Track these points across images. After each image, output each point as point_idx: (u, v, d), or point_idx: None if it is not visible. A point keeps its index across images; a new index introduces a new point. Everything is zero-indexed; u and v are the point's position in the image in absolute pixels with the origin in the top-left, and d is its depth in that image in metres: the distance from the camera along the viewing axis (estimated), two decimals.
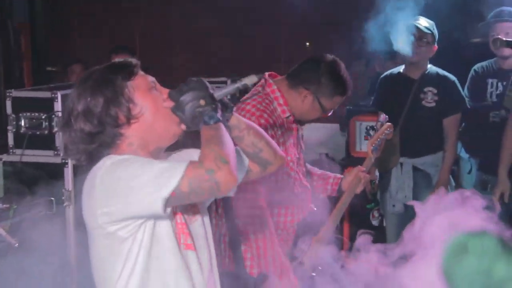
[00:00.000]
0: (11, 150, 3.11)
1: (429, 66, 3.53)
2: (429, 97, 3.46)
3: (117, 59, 1.65)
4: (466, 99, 3.57)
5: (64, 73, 5.08)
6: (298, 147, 2.47)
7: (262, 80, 2.37)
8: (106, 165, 1.40)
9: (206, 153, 1.35)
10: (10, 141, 3.10)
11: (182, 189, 1.31)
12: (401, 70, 3.59)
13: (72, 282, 3.03)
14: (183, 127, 1.50)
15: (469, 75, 3.67)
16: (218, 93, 1.50)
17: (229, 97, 1.55)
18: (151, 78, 1.56)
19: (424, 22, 3.41)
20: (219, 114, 1.45)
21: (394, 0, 3.07)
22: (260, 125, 1.97)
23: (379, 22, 3.07)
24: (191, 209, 1.56)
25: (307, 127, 2.63)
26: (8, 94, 3.04)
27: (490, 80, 3.55)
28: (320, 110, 2.38)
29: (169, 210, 1.37)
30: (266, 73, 2.40)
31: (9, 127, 3.06)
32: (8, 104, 3.05)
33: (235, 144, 1.51)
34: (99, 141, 1.46)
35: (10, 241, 2.35)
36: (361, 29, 3.13)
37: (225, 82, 2.41)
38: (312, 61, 2.40)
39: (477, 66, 3.64)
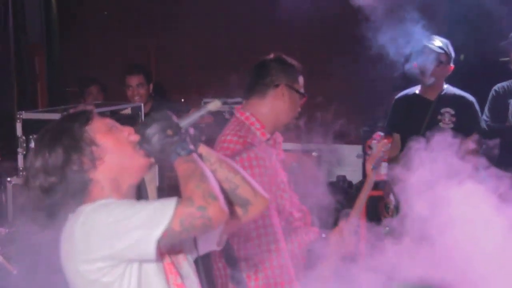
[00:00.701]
0: (21, 173, 3.08)
1: (445, 86, 3.46)
2: (447, 118, 3.38)
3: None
4: (486, 120, 3.48)
5: (81, 94, 5.05)
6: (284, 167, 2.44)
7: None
8: (85, 211, 1.36)
9: (192, 189, 1.33)
10: (20, 163, 3.08)
11: (174, 228, 1.28)
12: (417, 91, 3.52)
13: None
14: (151, 160, 1.48)
15: (490, 95, 3.58)
16: (184, 122, 1.48)
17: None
18: (108, 120, 1.54)
19: (437, 42, 3.35)
20: (190, 145, 1.43)
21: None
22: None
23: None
24: (177, 248, 1.51)
25: (326, 148, 2.59)
26: (18, 115, 3.03)
27: (511, 101, 3.46)
28: (299, 97, 2.36)
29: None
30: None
31: (19, 149, 3.04)
32: (19, 126, 3.04)
33: None
34: (65, 192, 1.41)
35: (9, 268, 2.29)
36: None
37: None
38: (258, 67, 2.41)
39: (497, 86, 3.56)
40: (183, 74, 6.34)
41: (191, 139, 1.48)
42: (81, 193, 1.44)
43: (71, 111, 1.61)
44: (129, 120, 3.14)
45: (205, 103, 1.58)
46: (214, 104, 1.55)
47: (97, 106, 3.62)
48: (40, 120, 3.07)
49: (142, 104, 3.66)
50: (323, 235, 2.40)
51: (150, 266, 1.40)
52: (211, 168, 1.53)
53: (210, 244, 1.63)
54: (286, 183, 2.36)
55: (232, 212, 1.56)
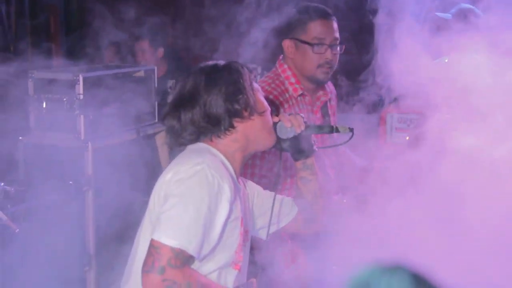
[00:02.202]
0: (31, 132, 3.07)
1: None
2: None
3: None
4: None
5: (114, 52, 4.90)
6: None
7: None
8: (192, 169, 1.55)
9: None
10: (32, 122, 3.06)
11: None
12: None
13: (90, 269, 3.00)
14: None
15: None
16: (310, 131, 1.80)
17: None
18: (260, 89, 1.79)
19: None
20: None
21: None
22: None
23: None
24: (246, 234, 1.69)
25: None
26: (30, 75, 2.99)
27: None
28: (310, 47, 2.25)
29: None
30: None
31: (30, 108, 3.02)
32: (30, 85, 3.01)
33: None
34: (211, 128, 1.62)
35: (12, 227, 2.29)
36: None
37: None
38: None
39: None
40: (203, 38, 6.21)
41: (309, 147, 1.82)
42: (217, 134, 1.63)
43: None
44: None
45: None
46: (344, 130, 1.80)
47: (111, 68, 3.58)
48: (51, 79, 3.04)
49: (155, 67, 3.62)
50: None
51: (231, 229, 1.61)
52: (308, 177, 1.85)
53: (263, 233, 1.83)
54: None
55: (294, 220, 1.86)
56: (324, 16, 2.27)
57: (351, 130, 1.80)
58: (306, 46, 2.24)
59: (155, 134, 3.52)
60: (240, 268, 1.65)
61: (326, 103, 2.41)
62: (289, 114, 1.77)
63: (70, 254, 2.81)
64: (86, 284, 2.95)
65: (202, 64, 1.71)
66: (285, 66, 2.31)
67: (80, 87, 2.93)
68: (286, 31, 2.28)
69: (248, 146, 1.69)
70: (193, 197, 1.51)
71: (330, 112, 2.45)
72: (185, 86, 1.65)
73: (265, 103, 1.72)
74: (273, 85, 2.26)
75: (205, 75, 1.64)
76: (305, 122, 1.74)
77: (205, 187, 1.51)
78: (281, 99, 2.19)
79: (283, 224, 1.86)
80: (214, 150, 1.65)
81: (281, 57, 2.36)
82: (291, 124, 1.71)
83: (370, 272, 0.91)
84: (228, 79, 1.63)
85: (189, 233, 1.49)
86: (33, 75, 3.01)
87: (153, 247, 1.46)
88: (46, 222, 2.62)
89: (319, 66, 2.24)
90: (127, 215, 2.79)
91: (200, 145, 1.66)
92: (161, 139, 3.50)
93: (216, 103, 1.60)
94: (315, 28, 2.24)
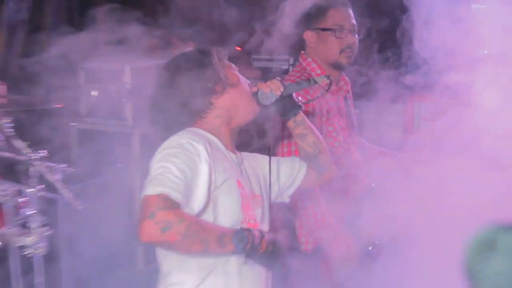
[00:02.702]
0: (83, 118, 3.33)
1: None
2: None
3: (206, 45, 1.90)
4: None
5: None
6: (345, 115, 2.45)
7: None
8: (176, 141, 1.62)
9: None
10: (83, 110, 3.32)
11: None
12: None
13: (139, 244, 3.26)
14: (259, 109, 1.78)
15: None
16: (291, 89, 1.81)
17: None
18: (234, 66, 1.82)
19: None
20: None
21: None
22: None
23: None
24: (254, 197, 1.76)
25: None
26: (81, 65, 3.24)
27: None
28: (331, 33, 2.33)
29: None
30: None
31: (82, 97, 3.28)
32: (81, 74, 3.26)
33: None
34: (189, 110, 1.69)
35: (75, 204, 2.52)
36: None
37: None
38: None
39: None
40: None
41: (294, 104, 1.84)
42: (197, 115, 1.71)
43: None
44: None
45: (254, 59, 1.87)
46: (321, 79, 1.85)
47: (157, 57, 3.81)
48: (101, 69, 3.28)
49: None
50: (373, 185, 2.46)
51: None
52: (303, 131, 1.88)
53: (284, 196, 1.95)
54: (338, 130, 2.38)
55: (308, 175, 1.92)
56: (341, 3, 2.37)
57: (328, 77, 1.88)
58: (328, 32, 2.32)
59: None
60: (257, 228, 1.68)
61: (348, 91, 2.48)
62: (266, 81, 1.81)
63: (120, 230, 3.07)
64: (135, 258, 3.22)
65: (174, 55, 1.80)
66: (309, 59, 2.39)
67: (127, 76, 3.16)
68: (306, 22, 2.35)
69: (231, 118, 1.76)
70: (169, 159, 1.57)
71: (349, 101, 2.52)
72: (161, 78, 1.75)
73: (238, 75, 1.78)
74: (302, 78, 2.30)
75: (174, 64, 1.74)
76: (282, 83, 1.79)
77: (180, 149, 1.59)
78: (311, 92, 2.23)
79: (299, 183, 1.94)
80: (200, 130, 1.71)
81: (303, 52, 2.44)
82: (269, 89, 1.75)
83: (495, 230, 1.00)
84: (194, 61, 1.72)
85: (171, 183, 1.53)
86: (83, 65, 3.26)
87: (143, 202, 1.51)
88: (99, 201, 2.87)
89: (342, 51, 2.32)
90: None
91: (186, 129, 1.71)
92: None
93: (188, 86, 1.68)
94: (334, 15, 2.33)
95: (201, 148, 1.60)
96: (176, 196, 1.50)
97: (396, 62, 2.50)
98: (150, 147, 3.23)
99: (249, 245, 1.57)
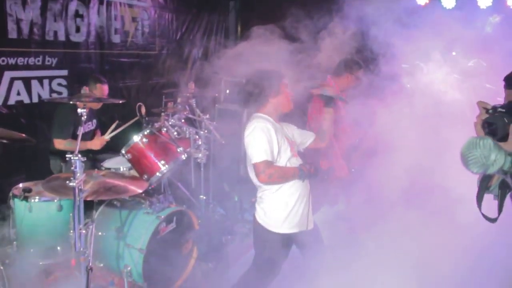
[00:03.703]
0: (221, 103, 6.39)
1: None
2: None
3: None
4: None
5: None
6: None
7: None
8: (253, 125, 3.10)
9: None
10: (221, 97, 6.39)
11: None
12: None
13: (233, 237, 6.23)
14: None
15: None
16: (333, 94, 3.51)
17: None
18: (286, 81, 3.27)
19: None
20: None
21: None
22: None
23: None
24: (293, 144, 3.35)
25: None
26: (224, 76, 6.27)
27: None
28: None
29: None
30: None
31: (221, 91, 6.31)
32: (222, 81, 6.29)
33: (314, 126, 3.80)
34: (257, 97, 3.17)
35: (220, 140, 5.39)
36: None
37: None
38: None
39: None
40: None
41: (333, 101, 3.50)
42: (260, 104, 3.19)
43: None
44: None
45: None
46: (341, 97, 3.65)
47: None
48: (232, 80, 6.32)
49: None
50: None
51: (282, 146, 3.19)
52: (327, 116, 3.47)
53: (300, 148, 3.44)
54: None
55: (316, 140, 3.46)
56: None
57: (343, 98, 3.75)
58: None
59: None
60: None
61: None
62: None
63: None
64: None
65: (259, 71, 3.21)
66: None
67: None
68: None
69: (276, 110, 3.19)
70: (257, 136, 3.03)
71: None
72: (249, 83, 3.18)
73: (286, 89, 3.18)
74: None
75: (258, 76, 3.16)
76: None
77: (261, 131, 3.03)
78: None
79: (308, 144, 3.41)
80: (261, 114, 3.15)
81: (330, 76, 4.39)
82: (328, 90, 3.46)
83: (476, 138, 1.77)
84: (266, 78, 3.14)
85: (265, 152, 3.02)
86: (225, 77, 6.29)
87: (255, 166, 3.05)
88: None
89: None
90: None
91: (255, 114, 3.16)
92: None
93: (260, 90, 3.12)
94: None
95: (270, 127, 3.08)
96: (268, 157, 3.03)
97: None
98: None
99: (305, 172, 3.13)
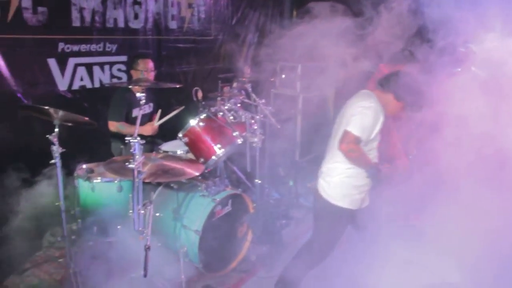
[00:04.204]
0: (277, 88, 6.39)
1: None
2: None
3: None
4: None
5: None
6: None
7: None
8: (362, 104, 3.19)
9: None
10: (277, 83, 6.40)
11: None
12: None
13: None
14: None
15: None
16: None
17: None
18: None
19: None
20: None
21: None
22: None
23: None
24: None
25: None
26: (279, 61, 6.26)
27: None
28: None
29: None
30: None
31: (277, 77, 6.31)
32: (279, 66, 6.29)
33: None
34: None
35: (276, 124, 5.43)
36: None
37: None
38: None
39: None
40: None
41: None
42: (387, 89, 3.23)
43: None
44: None
45: None
46: None
47: None
48: (287, 65, 6.30)
49: None
50: None
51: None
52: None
53: None
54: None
55: None
56: None
57: None
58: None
59: None
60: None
61: None
62: None
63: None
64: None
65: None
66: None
67: (299, 70, 6.14)
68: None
69: (387, 104, 3.23)
70: (369, 115, 3.09)
71: None
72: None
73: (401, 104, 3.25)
74: None
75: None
76: None
77: (374, 112, 3.10)
78: None
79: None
80: (373, 94, 3.23)
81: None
82: None
83: None
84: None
85: (363, 130, 3.08)
86: (281, 62, 6.28)
87: (345, 132, 3.10)
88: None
89: None
90: None
91: (377, 93, 3.21)
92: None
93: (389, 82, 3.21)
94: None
95: (381, 116, 3.15)
96: (362, 137, 3.09)
97: None
98: (307, 106, 6.35)
99: (377, 173, 3.16)
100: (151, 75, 4.68)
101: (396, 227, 3.61)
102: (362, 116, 3.12)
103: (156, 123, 4.53)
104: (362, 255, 3.51)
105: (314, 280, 3.57)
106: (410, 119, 4.05)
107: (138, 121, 3.31)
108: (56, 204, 3.79)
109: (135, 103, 4.61)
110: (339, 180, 3.28)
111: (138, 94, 3.36)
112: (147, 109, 4.90)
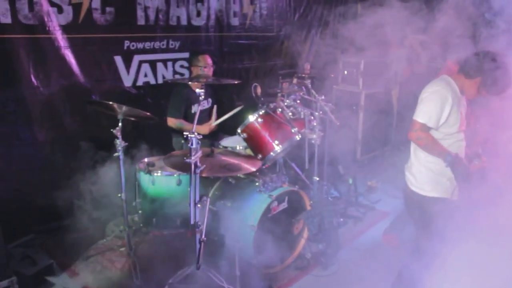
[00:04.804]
0: (339, 84, 6.29)
1: None
2: None
3: None
4: None
5: None
6: None
7: None
8: (435, 89, 3.12)
9: None
10: (339, 79, 6.29)
11: None
12: None
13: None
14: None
15: None
16: None
17: None
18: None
19: None
20: None
21: None
22: None
23: None
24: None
25: None
26: (341, 57, 6.17)
27: None
28: None
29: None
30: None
31: (339, 73, 6.21)
32: (340, 62, 6.19)
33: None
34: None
35: (335, 121, 5.35)
36: None
37: None
38: None
39: None
40: None
41: None
42: (466, 73, 3.11)
43: None
44: None
45: None
46: None
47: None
48: (350, 61, 6.18)
49: None
50: None
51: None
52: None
53: None
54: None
55: None
56: None
57: None
58: None
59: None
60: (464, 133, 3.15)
61: None
62: None
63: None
64: None
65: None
66: None
67: (362, 66, 6.00)
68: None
69: (464, 86, 3.12)
70: (434, 100, 3.03)
71: None
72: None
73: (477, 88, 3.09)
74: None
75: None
76: None
77: (439, 96, 3.03)
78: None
79: None
80: (451, 79, 3.12)
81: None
82: None
83: None
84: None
85: (430, 116, 3.04)
86: (342, 58, 6.18)
87: (413, 121, 3.10)
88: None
89: None
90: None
91: (445, 76, 3.14)
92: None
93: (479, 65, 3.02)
94: None
95: (449, 98, 3.03)
96: (431, 124, 3.05)
97: None
98: (369, 102, 6.20)
99: (453, 160, 3.04)
100: (210, 71, 4.76)
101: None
102: (426, 101, 3.12)
103: (214, 123, 4.60)
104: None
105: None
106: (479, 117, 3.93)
107: (196, 117, 3.38)
108: (119, 195, 3.95)
109: (194, 99, 4.70)
110: (424, 169, 3.25)
111: (197, 90, 3.43)
112: (206, 104, 4.98)
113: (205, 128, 4.66)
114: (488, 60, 3.09)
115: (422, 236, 3.28)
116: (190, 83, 4.69)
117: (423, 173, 3.25)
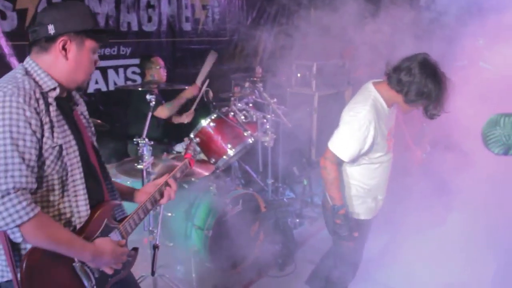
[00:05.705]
0: (292, 87, 6.40)
1: None
2: None
3: None
4: None
5: None
6: None
7: None
8: (361, 109, 2.73)
9: None
10: (293, 82, 6.39)
11: None
12: None
13: None
14: None
15: None
16: None
17: None
18: None
19: None
20: None
21: None
22: None
23: None
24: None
25: None
26: (295, 60, 6.27)
27: None
28: None
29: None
30: None
31: (293, 76, 6.31)
32: (294, 65, 6.29)
33: None
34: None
35: (287, 123, 5.43)
36: None
37: None
38: None
39: None
40: None
41: None
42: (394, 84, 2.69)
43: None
44: None
45: None
46: None
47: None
48: (302, 64, 6.30)
49: None
50: None
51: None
52: None
53: None
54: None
55: None
56: None
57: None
58: None
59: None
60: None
61: None
62: None
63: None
64: None
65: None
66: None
67: (314, 69, 6.12)
68: None
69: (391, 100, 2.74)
70: (355, 135, 2.65)
71: None
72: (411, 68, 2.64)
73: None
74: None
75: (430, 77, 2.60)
76: None
77: (359, 128, 2.65)
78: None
79: None
80: (378, 94, 2.73)
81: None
82: None
83: (499, 115, 1.73)
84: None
85: (347, 150, 2.69)
86: (296, 61, 6.29)
87: (327, 149, 2.75)
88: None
89: None
90: None
91: (372, 89, 2.75)
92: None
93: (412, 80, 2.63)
94: None
95: (371, 128, 2.68)
96: (344, 157, 2.72)
97: None
98: (322, 104, 6.32)
99: (334, 210, 2.78)
100: (165, 71, 4.73)
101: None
102: (346, 132, 2.75)
103: (198, 81, 4.53)
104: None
105: None
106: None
107: (147, 123, 3.38)
108: None
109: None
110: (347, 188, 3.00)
111: (147, 96, 3.43)
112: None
113: (185, 117, 4.77)
114: (430, 81, 2.63)
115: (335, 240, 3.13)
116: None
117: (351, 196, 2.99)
